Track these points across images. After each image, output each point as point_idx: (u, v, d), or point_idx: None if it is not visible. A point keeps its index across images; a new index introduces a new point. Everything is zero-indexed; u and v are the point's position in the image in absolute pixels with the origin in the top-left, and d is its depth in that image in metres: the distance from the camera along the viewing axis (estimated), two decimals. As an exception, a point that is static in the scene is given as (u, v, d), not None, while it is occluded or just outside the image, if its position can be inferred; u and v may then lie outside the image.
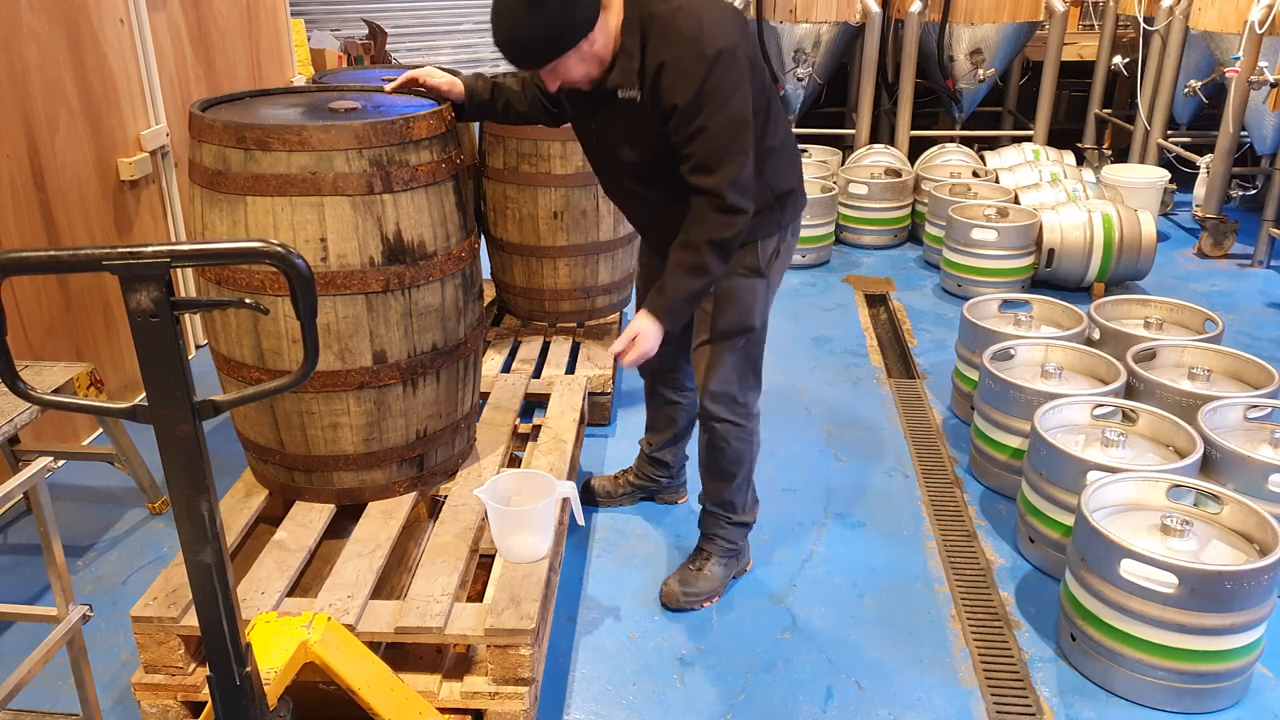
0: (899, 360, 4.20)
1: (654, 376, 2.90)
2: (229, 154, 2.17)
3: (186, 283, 4.04)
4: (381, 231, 2.21)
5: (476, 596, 2.35)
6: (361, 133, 2.15)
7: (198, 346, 4.21)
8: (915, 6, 6.15)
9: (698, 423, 2.59)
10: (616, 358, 2.28)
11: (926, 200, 5.44)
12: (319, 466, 2.40)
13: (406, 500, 2.48)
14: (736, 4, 6.18)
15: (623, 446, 3.45)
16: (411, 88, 2.47)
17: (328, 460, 2.39)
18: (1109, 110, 6.96)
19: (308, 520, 2.39)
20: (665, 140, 2.16)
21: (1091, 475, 2.55)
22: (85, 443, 3.42)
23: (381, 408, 2.35)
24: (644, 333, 2.24)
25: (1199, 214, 5.52)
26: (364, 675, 1.81)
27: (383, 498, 2.47)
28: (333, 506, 2.44)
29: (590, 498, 3.10)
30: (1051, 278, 4.88)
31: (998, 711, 2.32)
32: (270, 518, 2.47)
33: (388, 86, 2.50)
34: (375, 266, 2.22)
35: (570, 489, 2.40)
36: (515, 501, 2.39)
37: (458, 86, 2.45)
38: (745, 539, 2.75)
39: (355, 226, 2.19)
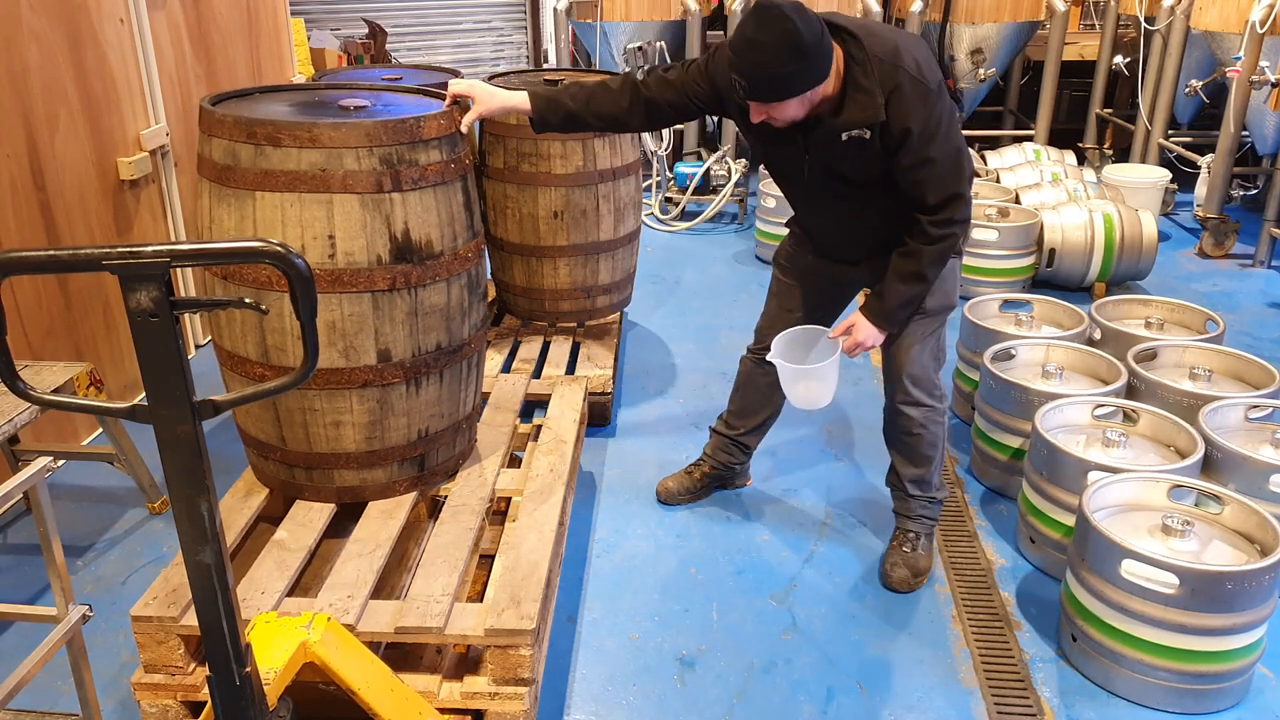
0: (899, 360, 4.19)
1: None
2: (239, 149, 2.16)
3: (187, 281, 4.04)
4: (389, 230, 2.21)
5: (476, 597, 2.35)
6: (372, 131, 2.15)
7: (198, 346, 4.21)
8: (916, 6, 6.15)
9: (889, 411, 2.72)
10: (847, 351, 2.52)
11: (927, 200, 5.42)
12: (320, 464, 2.40)
13: (407, 500, 2.47)
14: (737, 6, 6.17)
15: (623, 446, 3.45)
16: (458, 99, 2.40)
17: (329, 458, 2.38)
18: (1110, 110, 6.95)
19: (308, 520, 2.39)
20: (886, 168, 2.32)
21: (1092, 475, 2.55)
22: (85, 443, 3.41)
23: (384, 406, 2.35)
24: (864, 327, 2.51)
25: (1200, 214, 5.52)
26: (364, 675, 1.81)
27: (383, 497, 2.47)
28: (333, 506, 2.44)
29: (668, 499, 3.11)
30: (1052, 278, 4.88)
31: (999, 712, 2.31)
32: (270, 517, 2.47)
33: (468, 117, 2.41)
34: (382, 265, 2.22)
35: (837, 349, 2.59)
36: (796, 357, 2.61)
37: (520, 102, 2.45)
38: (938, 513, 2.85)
39: (363, 224, 2.18)
